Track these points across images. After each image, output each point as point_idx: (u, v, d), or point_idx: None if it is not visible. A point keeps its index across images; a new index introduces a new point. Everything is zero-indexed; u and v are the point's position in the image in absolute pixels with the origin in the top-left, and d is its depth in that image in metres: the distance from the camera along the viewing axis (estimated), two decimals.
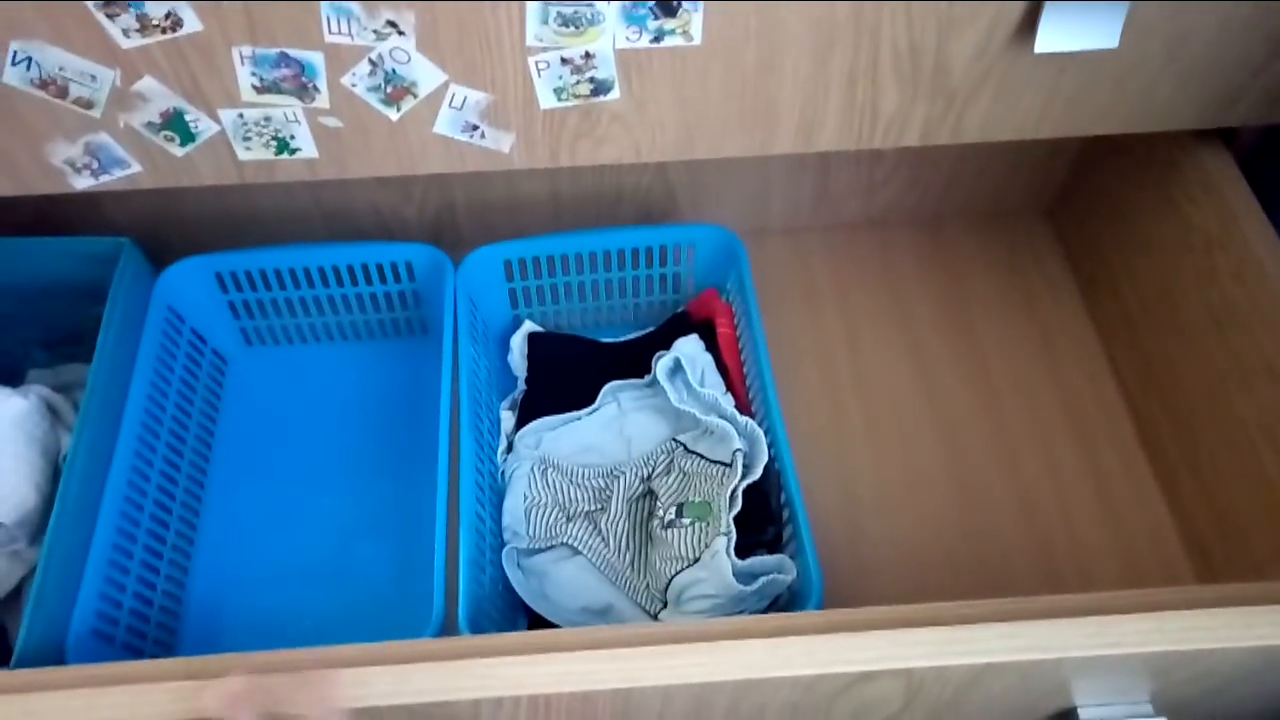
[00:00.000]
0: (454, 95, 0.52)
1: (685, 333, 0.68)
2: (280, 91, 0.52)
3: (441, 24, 0.49)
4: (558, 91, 0.52)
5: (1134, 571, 0.63)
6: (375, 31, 0.49)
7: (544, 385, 0.70)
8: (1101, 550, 0.64)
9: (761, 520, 0.59)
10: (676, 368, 0.66)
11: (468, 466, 0.59)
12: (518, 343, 0.72)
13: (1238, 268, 0.58)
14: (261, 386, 0.74)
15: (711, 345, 0.68)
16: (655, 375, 0.66)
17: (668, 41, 0.50)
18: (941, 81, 0.52)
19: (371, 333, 0.75)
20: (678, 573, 0.58)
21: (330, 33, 0.49)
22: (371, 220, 0.77)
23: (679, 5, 0.49)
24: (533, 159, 0.55)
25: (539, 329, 0.73)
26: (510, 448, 0.67)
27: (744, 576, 0.56)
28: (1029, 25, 0.49)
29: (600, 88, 0.52)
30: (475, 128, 0.54)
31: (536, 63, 0.51)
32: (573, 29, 0.50)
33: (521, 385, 0.71)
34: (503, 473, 0.66)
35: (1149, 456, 0.67)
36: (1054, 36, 0.49)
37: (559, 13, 0.49)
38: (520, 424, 0.68)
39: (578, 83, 0.52)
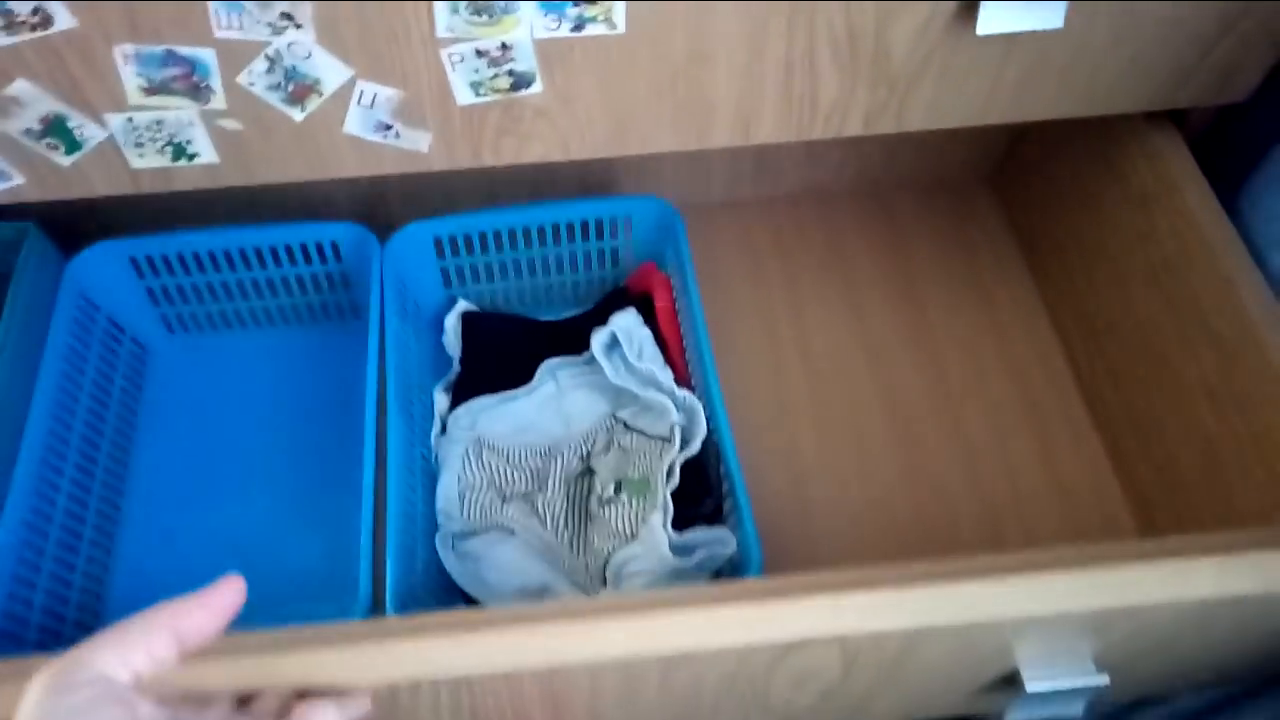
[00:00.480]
0: (362, 92, 0.49)
1: (623, 307, 0.66)
2: (171, 93, 0.48)
3: (342, 16, 0.45)
4: (475, 86, 0.49)
5: (1079, 532, 0.63)
6: (270, 25, 0.45)
7: (479, 365, 0.68)
8: (1046, 512, 0.64)
9: (699, 493, 0.58)
10: (613, 343, 0.64)
11: (397, 449, 0.57)
12: (451, 323, 0.69)
13: (1174, 223, 0.57)
14: (185, 375, 0.71)
15: (650, 319, 0.66)
16: (593, 350, 0.64)
17: (590, 30, 0.47)
18: (882, 68, 0.49)
19: (300, 317, 0.72)
20: (615, 550, 0.57)
21: (220, 28, 0.45)
22: (298, 199, 0.73)
23: None
24: (453, 159, 0.52)
25: (474, 308, 0.71)
26: (444, 429, 0.65)
27: (681, 550, 0.55)
28: (971, 6, 0.47)
29: (520, 81, 0.49)
30: (389, 127, 0.50)
31: (449, 55, 0.47)
32: (486, 18, 0.46)
33: (456, 366, 0.69)
34: (436, 455, 0.64)
35: (1093, 417, 0.67)
36: (996, 17, 0.47)
37: (469, 1, 0.45)
38: (455, 405, 0.66)
39: (495, 76, 0.48)
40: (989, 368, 0.70)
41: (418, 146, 0.51)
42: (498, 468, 0.63)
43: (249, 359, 0.71)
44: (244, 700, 0.39)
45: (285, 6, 0.45)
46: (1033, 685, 0.45)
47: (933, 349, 0.71)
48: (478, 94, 0.49)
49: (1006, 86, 0.51)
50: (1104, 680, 0.46)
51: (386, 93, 0.49)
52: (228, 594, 0.38)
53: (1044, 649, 0.45)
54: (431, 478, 0.63)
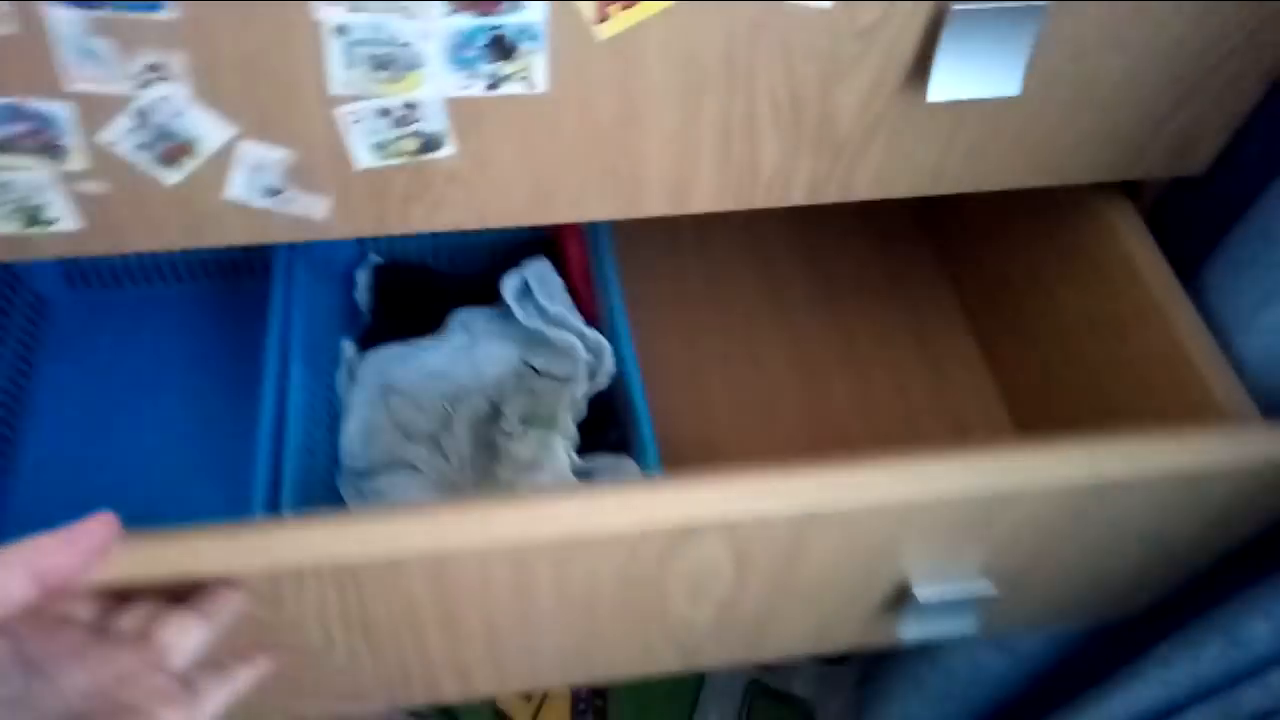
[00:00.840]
0: (246, 153, 0.43)
1: (535, 255, 0.67)
2: (18, 151, 0.41)
3: (222, 68, 0.39)
4: (378, 148, 0.44)
5: None
6: (133, 78, 0.39)
7: (390, 316, 0.68)
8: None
9: (604, 424, 0.61)
10: (525, 289, 0.66)
11: (298, 393, 0.56)
12: (363, 278, 0.69)
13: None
14: (87, 331, 0.68)
15: (561, 269, 0.67)
16: (503, 295, 0.65)
17: (506, 89, 0.42)
18: (827, 134, 0.45)
19: (209, 272, 0.70)
20: (520, 481, 0.56)
21: (74, 80, 0.39)
22: None
23: (516, 46, 0.40)
24: (354, 227, 0.46)
25: (384, 262, 0.71)
26: (352, 377, 0.65)
27: (583, 474, 0.57)
28: (921, 71, 0.43)
29: (430, 143, 0.44)
30: (278, 191, 0.45)
31: (347, 114, 0.42)
32: (389, 73, 0.41)
33: (366, 318, 0.68)
34: (341, 401, 0.64)
35: (996, 379, 0.71)
36: (948, 84, 0.43)
37: (370, 54, 0.40)
38: (363, 353, 0.66)
39: (400, 137, 0.43)
40: (891, 326, 0.74)
41: (312, 213, 0.46)
42: (404, 410, 0.64)
43: (155, 314, 0.70)
44: (102, 626, 0.36)
45: (152, 57, 0.39)
46: (922, 595, 0.47)
47: (839, 306, 0.74)
48: (381, 157, 0.44)
49: (958, 155, 0.48)
50: (990, 589, 0.47)
51: (275, 154, 0.43)
52: (95, 533, 0.34)
53: (930, 554, 0.46)
54: (336, 422, 0.63)
